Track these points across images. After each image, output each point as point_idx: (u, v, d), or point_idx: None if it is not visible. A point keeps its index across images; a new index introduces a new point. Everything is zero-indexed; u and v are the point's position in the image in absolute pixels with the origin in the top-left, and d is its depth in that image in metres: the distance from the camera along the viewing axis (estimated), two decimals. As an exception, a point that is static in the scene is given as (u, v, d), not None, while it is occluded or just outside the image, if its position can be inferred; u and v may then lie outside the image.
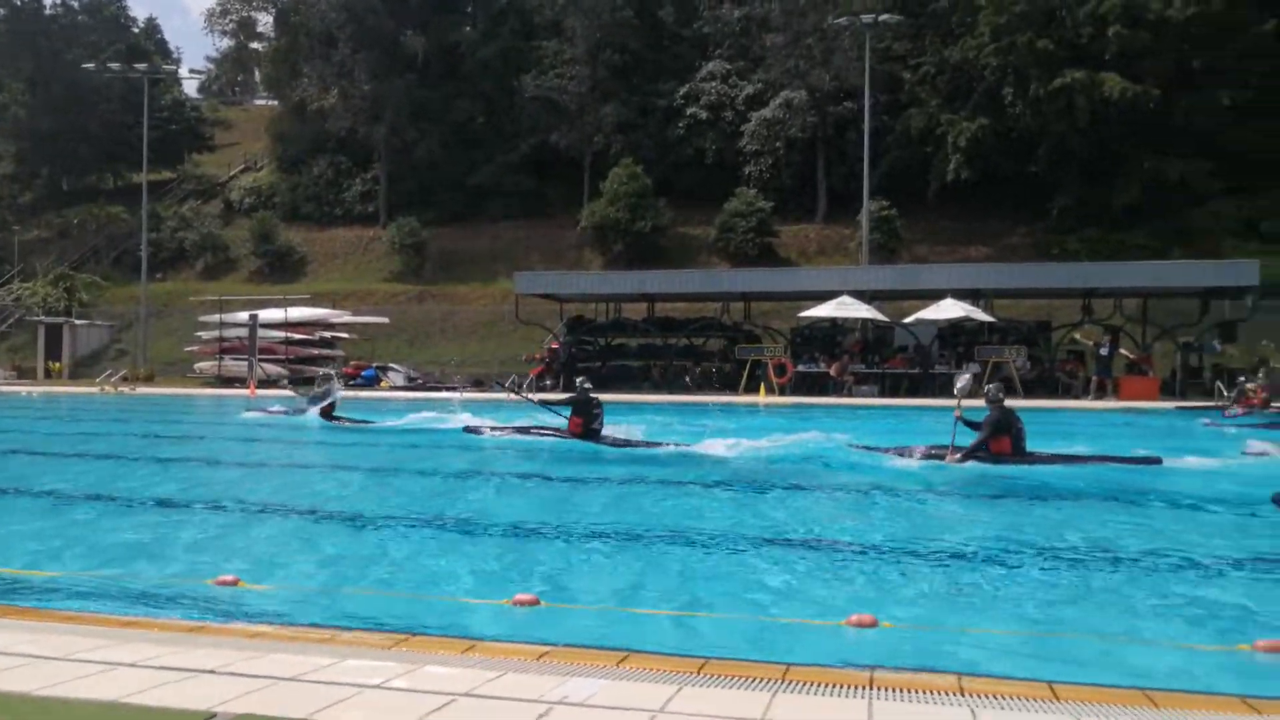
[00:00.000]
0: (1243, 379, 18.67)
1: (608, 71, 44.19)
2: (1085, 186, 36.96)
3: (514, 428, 15.05)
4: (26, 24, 53.83)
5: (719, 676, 3.53)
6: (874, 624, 4.62)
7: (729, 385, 29.31)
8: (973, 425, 11.45)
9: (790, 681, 3.51)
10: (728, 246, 40.95)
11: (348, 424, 17.79)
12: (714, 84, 44.69)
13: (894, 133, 40.25)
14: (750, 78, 44.31)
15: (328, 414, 18.02)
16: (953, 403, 12.67)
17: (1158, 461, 11.07)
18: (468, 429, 15.46)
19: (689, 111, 44.28)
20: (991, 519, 8.83)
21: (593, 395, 14.40)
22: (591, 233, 42.66)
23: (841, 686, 3.46)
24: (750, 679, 3.51)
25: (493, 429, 15.22)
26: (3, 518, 7.73)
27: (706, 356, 32.90)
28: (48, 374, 39.30)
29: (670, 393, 28.29)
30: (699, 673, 3.58)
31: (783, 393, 27.29)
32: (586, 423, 14.01)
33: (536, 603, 4.99)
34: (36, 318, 41.35)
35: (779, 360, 28.83)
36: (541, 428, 14.83)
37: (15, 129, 53.50)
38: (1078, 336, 29.23)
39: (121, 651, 3.52)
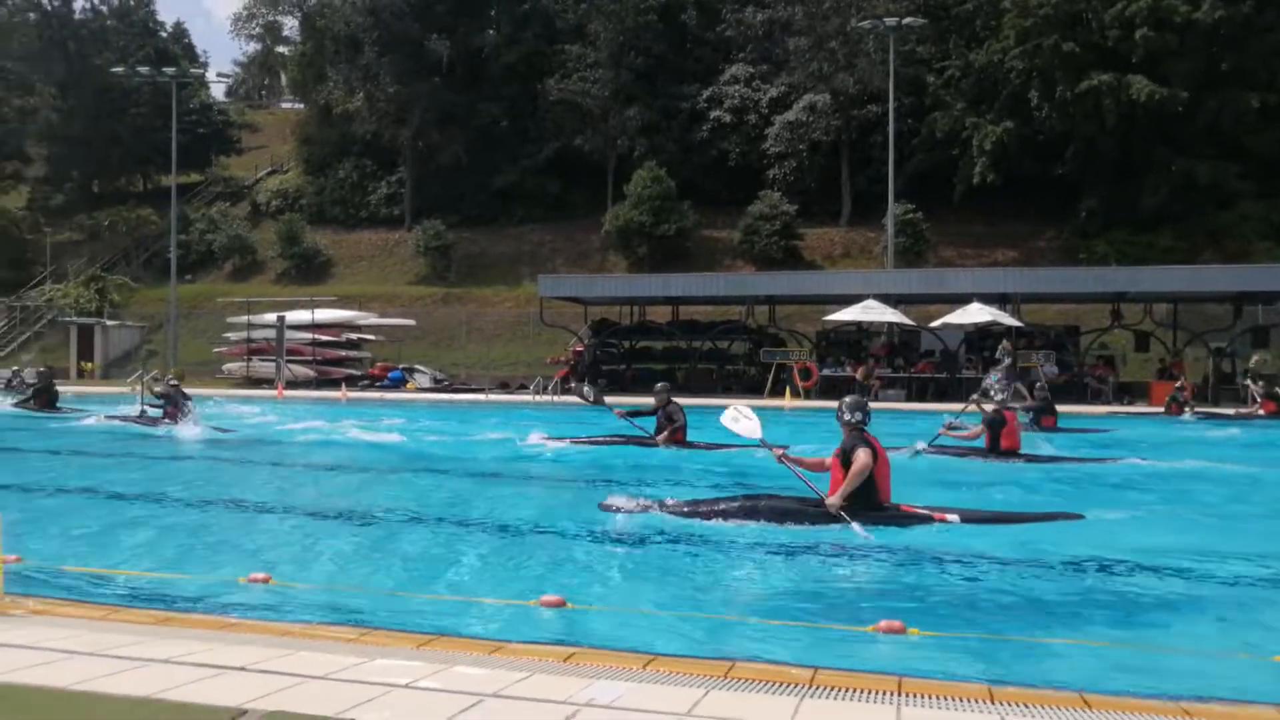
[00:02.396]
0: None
1: (631, 75, 44.26)
2: (1113, 189, 36.61)
3: (598, 439, 14.25)
4: (57, 29, 54.60)
5: (746, 680, 3.52)
6: (903, 630, 4.60)
7: (753, 389, 29.24)
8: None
9: (818, 686, 3.50)
10: (752, 249, 40.88)
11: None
12: (737, 87, 44.65)
13: (919, 136, 40.05)
14: (774, 81, 44.23)
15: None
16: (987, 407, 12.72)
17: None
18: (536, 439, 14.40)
19: (712, 115, 44.27)
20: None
21: (674, 399, 13.66)
22: (615, 236, 42.72)
23: (869, 692, 3.44)
24: (778, 683, 3.50)
25: (573, 441, 14.25)
26: (41, 515, 7.83)
27: (731, 360, 32.87)
28: (80, 374, 39.76)
29: (694, 396, 28.24)
30: (726, 676, 3.57)
31: (808, 396, 27.20)
32: (675, 430, 13.43)
33: (563, 604, 5.00)
34: (69, 319, 41.86)
35: (804, 364, 28.75)
36: (618, 436, 14.02)
37: (47, 132, 54.23)
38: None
39: (154, 648, 3.56)
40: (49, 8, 56.06)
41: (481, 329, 40.30)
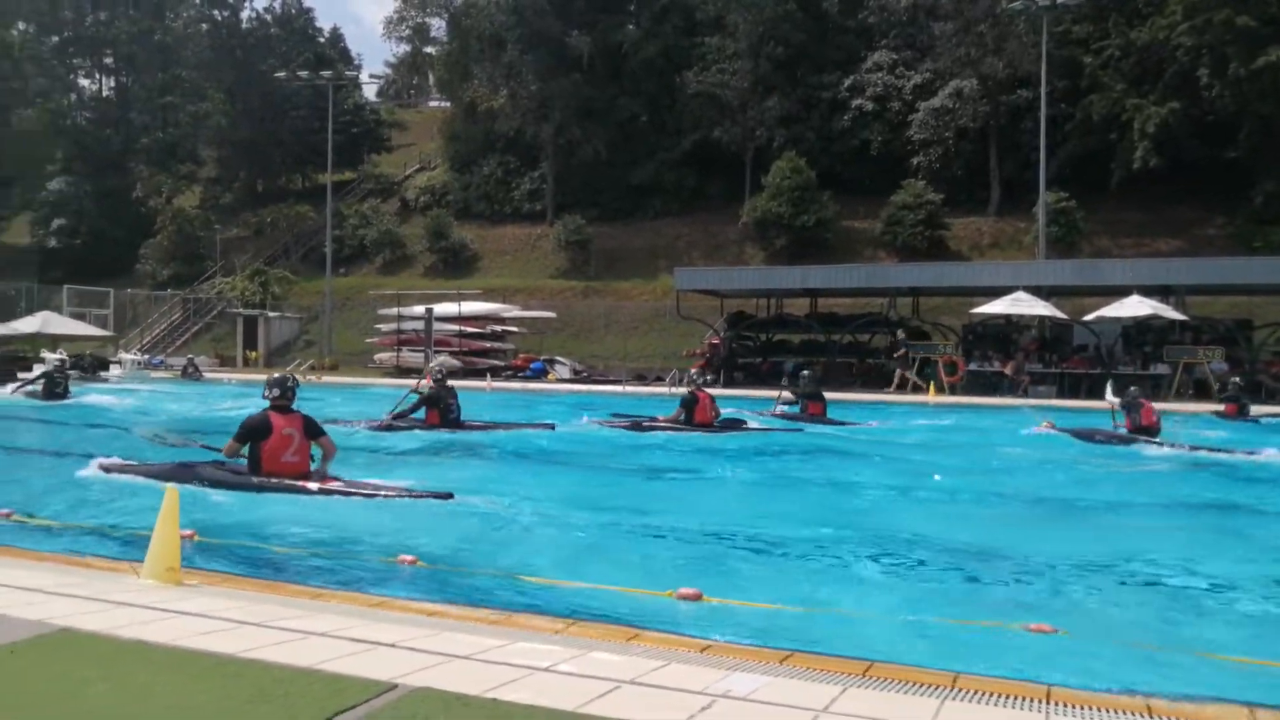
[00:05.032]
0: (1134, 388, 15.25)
1: (770, 65, 43.83)
2: (1292, 172, 34.06)
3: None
4: (226, 39, 58.16)
5: (885, 680, 3.46)
6: (1052, 633, 4.42)
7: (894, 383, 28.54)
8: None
9: (960, 689, 3.40)
10: (895, 240, 39.90)
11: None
12: (880, 75, 43.63)
13: (1073, 120, 38.18)
14: (918, 67, 42.99)
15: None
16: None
17: None
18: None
19: (854, 103, 43.41)
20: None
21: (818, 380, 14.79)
22: (753, 228, 42.44)
23: (1016, 698, 3.32)
24: (918, 684, 3.42)
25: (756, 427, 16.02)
26: (198, 493, 8.36)
27: (871, 354, 32.20)
28: (245, 362, 42.27)
29: (832, 390, 27.79)
30: (864, 675, 3.52)
31: (953, 392, 26.39)
32: (816, 405, 14.38)
33: (699, 597, 5.01)
34: (236, 310, 44.60)
35: (949, 358, 27.89)
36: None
37: (217, 136, 57.78)
38: None
39: (314, 621, 3.76)
40: (219, 19, 59.76)
41: (619, 321, 40.75)
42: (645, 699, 3.01)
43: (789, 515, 8.39)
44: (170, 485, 5.18)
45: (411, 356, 36.91)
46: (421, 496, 8.09)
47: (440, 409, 14.05)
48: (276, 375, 8.99)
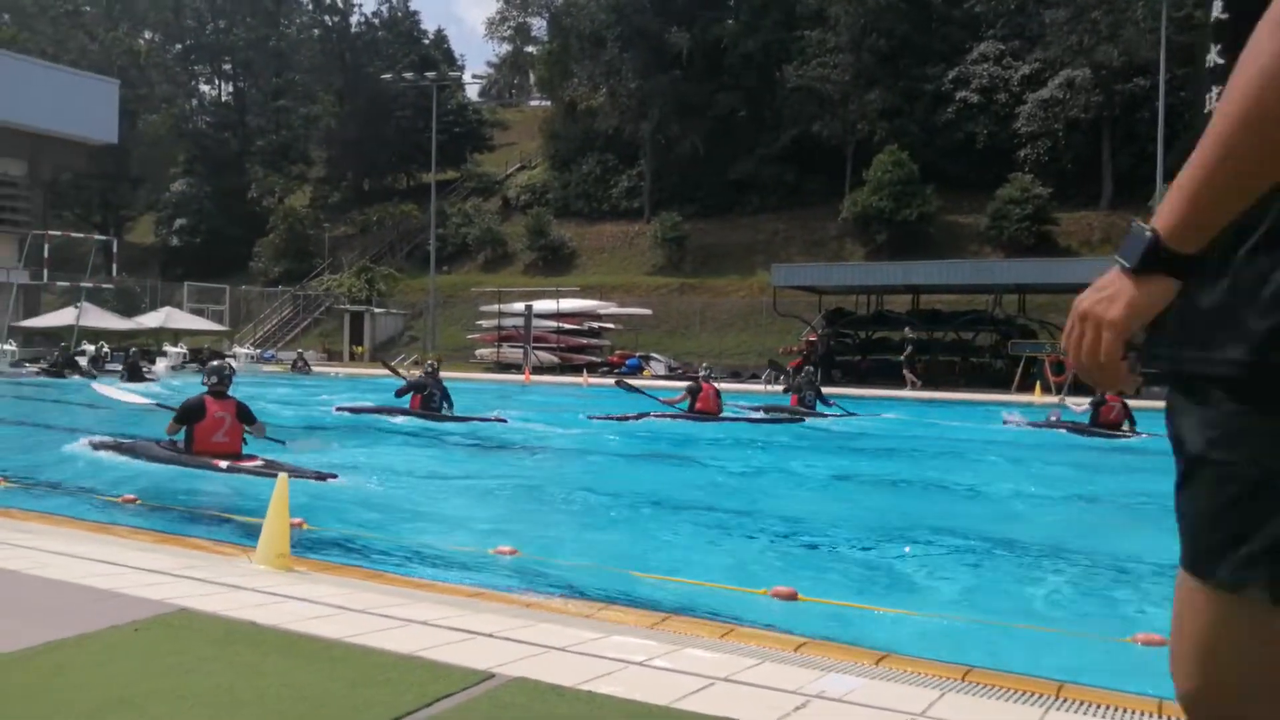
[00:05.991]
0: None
1: (873, 58, 43.08)
2: None
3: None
4: (336, 43, 60.07)
5: (985, 686, 3.37)
6: (1163, 644, 4.23)
7: (999, 383, 27.81)
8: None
9: (1064, 699, 3.29)
10: (1000, 235, 38.78)
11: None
12: (986, 65, 42.46)
13: (1194, 109, 36.47)
14: (1026, 57, 41.69)
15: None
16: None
17: None
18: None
19: (958, 95, 42.34)
20: None
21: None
22: (853, 223, 41.81)
23: (1126, 711, 3.20)
24: (1019, 692, 3.32)
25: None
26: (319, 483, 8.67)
27: (975, 352, 31.39)
28: (352, 357, 43.61)
29: (935, 389, 27.24)
30: (963, 679, 3.44)
31: (1060, 392, 25.55)
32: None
33: (795, 596, 4.97)
34: (343, 306, 46.06)
35: (1057, 357, 27.00)
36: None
37: (327, 137, 59.72)
38: None
39: (414, 609, 3.86)
40: (330, 24, 61.76)
41: (715, 318, 40.64)
42: (739, 697, 3.00)
43: (882, 514, 8.26)
44: (282, 475, 5.39)
45: (511, 352, 37.52)
46: (304, 476, 8.51)
47: (424, 396, 15.20)
48: (214, 363, 10.08)
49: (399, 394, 15.51)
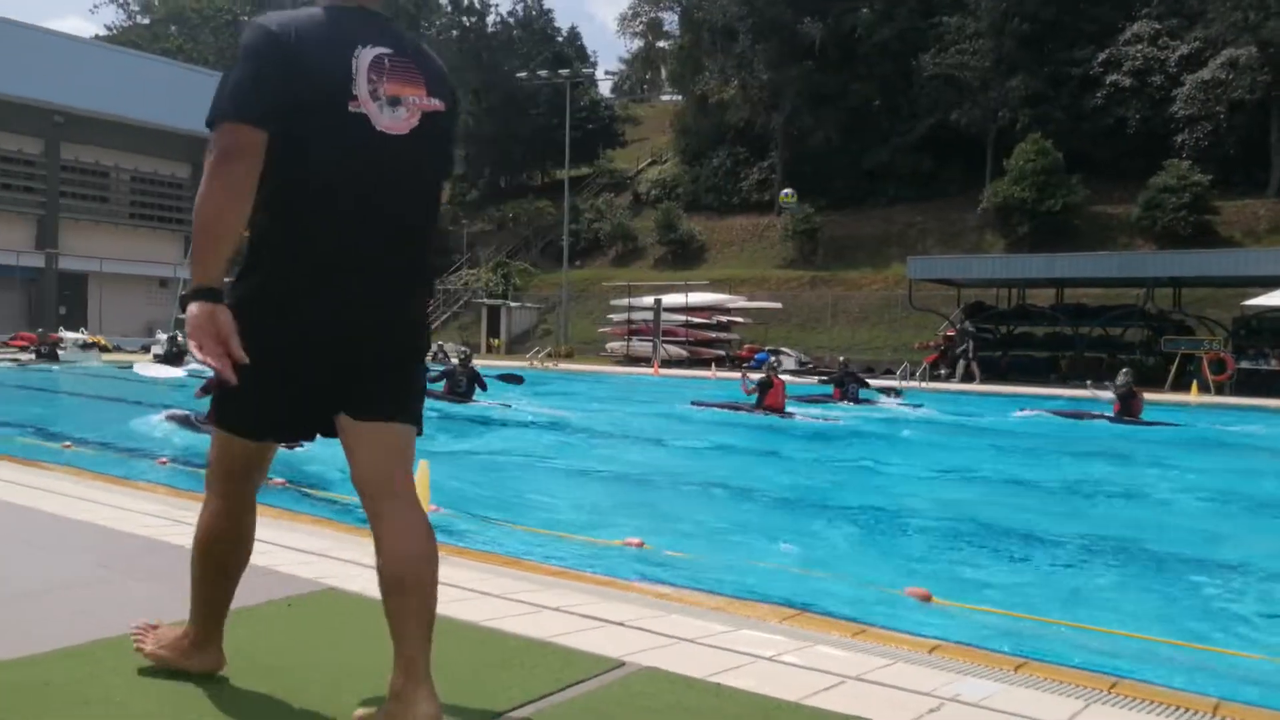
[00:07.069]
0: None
1: (1015, 42, 41.44)
2: None
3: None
4: (473, 42, 61.68)
5: (1134, 699, 3.22)
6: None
7: (1152, 381, 26.38)
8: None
9: (1222, 717, 3.12)
10: (1153, 226, 36.77)
11: None
12: (1140, 47, 40.26)
13: (1375, 87, 33.76)
14: (1184, 37, 39.34)
15: None
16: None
17: None
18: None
19: (1109, 79, 40.30)
20: None
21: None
22: (993, 214, 40.38)
23: (1290, 730, 3.01)
24: (1171, 706, 3.16)
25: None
26: (452, 469, 8.96)
27: (1124, 348, 29.89)
28: (489, 349, 44.82)
29: (1076, 387, 26.06)
30: (1110, 691, 3.29)
31: (1220, 391, 24.09)
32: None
33: (929, 598, 4.87)
34: (480, 300, 47.40)
35: (1216, 355, 25.47)
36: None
37: (464, 135, 61.43)
38: None
39: (547, 596, 3.96)
40: (467, 24, 63.44)
41: (847, 311, 39.95)
42: (870, 696, 2.96)
43: (1033, 515, 7.98)
44: (423, 460, 5.59)
45: (641, 346, 37.82)
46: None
47: (451, 382, 16.34)
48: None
49: (433, 380, 16.33)
